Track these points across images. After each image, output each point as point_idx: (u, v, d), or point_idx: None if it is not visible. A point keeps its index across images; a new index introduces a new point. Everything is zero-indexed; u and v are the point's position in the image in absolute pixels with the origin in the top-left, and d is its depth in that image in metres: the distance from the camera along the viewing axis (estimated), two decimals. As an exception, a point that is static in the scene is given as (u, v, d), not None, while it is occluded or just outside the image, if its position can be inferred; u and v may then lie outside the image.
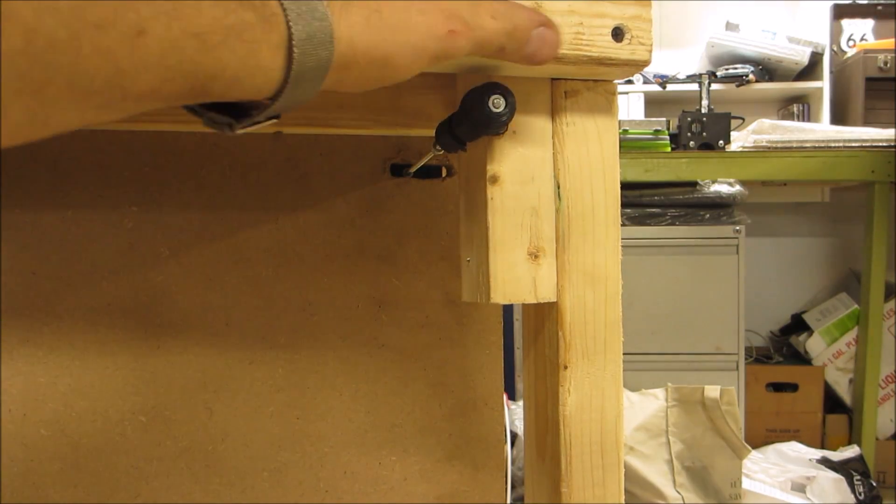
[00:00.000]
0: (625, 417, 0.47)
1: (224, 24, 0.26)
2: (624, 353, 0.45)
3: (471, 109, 0.38)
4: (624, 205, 1.93)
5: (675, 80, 2.62)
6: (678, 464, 1.55)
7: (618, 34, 0.41)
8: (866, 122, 2.41)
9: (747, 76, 2.57)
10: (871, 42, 2.62)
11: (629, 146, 2.02)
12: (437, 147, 0.43)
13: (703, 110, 2.21)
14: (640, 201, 2.07)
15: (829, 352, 2.33)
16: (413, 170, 0.59)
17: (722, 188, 2.05)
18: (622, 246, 0.45)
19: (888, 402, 2.28)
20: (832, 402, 2.33)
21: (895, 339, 2.26)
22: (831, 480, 1.77)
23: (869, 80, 2.46)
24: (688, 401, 1.56)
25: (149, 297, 0.56)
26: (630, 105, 2.60)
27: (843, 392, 2.30)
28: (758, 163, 2.01)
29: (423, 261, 0.61)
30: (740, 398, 2.03)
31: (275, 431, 0.59)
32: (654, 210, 2.07)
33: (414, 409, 0.62)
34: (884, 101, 2.45)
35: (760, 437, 2.24)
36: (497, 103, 0.38)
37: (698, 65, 2.74)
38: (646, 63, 0.42)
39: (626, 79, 0.53)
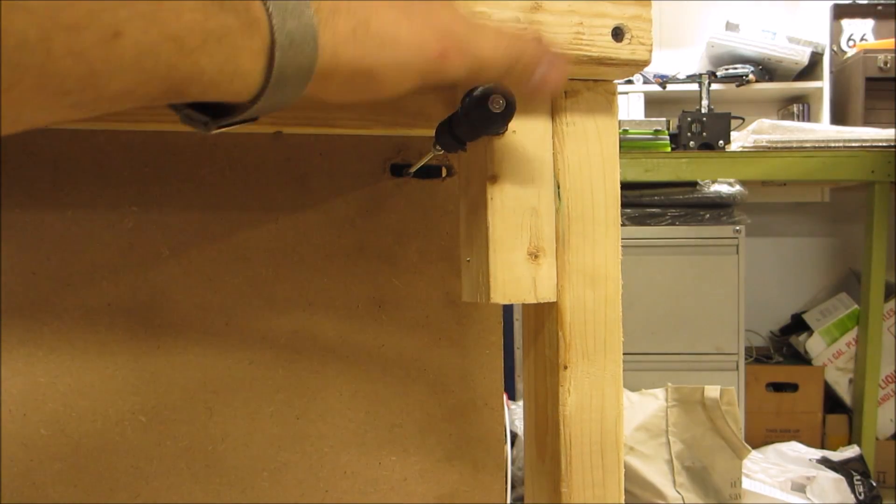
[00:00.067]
0: (625, 417, 0.47)
1: (204, 28, 0.26)
2: (624, 353, 0.45)
3: (471, 110, 0.38)
4: (624, 205, 1.93)
5: (675, 80, 2.62)
6: (678, 464, 1.55)
7: (618, 34, 0.41)
8: (866, 122, 2.41)
9: (747, 76, 2.56)
10: (871, 42, 2.62)
11: (629, 146, 2.02)
12: (437, 147, 0.43)
13: (703, 110, 2.22)
14: (640, 201, 2.07)
15: (829, 352, 2.33)
16: (413, 170, 0.59)
17: (722, 188, 2.06)
18: (622, 246, 0.45)
19: (888, 402, 2.28)
20: (832, 402, 2.33)
21: (895, 339, 2.26)
22: (831, 480, 1.77)
23: (869, 80, 2.46)
24: (688, 401, 1.56)
25: (149, 297, 0.56)
26: (630, 105, 2.60)
27: (843, 392, 2.30)
28: (758, 163, 2.01)
29: (423, 261, 0.61)
30: (740, 398, 2.03)
31: (275, 431, 0.59)
32: (654, 210, 2.07)
33: (414, 409, 0.62)
34: (884, 101, 2.45)
35: (760, 437, 2.24)
36: (497, 103, 0.38)
37: (698, 65, 2.74)
38: (646, 63, 0.42)
39: (626, 79, 0.53)
